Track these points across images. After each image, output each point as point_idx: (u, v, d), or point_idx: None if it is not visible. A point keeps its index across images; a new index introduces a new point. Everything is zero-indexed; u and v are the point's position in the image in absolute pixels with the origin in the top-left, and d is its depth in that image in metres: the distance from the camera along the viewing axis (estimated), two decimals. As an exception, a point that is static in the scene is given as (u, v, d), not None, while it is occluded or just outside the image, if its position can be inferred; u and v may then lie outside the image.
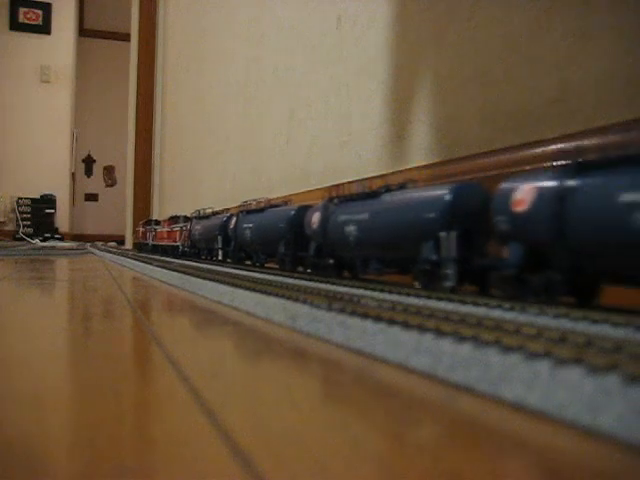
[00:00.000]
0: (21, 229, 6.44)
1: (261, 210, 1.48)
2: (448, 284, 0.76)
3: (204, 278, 1.13)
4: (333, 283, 0.94)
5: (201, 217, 2.09)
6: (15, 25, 6.68)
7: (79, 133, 7.13)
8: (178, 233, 2.24)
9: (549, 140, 0.97)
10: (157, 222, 2.92)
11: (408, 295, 0.75)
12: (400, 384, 0.44)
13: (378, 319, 0.56)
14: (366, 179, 1.06)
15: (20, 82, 6.61)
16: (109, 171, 7.72)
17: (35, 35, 6.74)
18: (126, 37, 5.76)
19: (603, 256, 0.59)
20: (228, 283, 1.00)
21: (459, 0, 1.25)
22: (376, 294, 0.77)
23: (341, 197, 1.06)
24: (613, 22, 0.91)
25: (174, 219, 2.40)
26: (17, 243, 5.27)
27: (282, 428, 0.33)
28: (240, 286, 0.94)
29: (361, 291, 0.81)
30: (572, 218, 0.60)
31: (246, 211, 1.57)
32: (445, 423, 0.35)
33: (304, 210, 1.23)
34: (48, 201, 6.64)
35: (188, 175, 3.92)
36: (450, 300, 0.68)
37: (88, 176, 7.69)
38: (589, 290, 0.65)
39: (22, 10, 6.70)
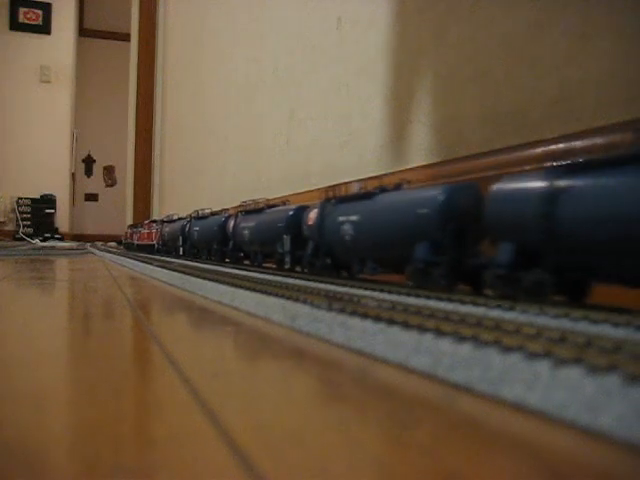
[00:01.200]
0: (21, 229, 6.44)
1: (260, 210, 1.51)
2: (442, 283, 0.79)
3: (204, 278, 1.13)
4: (333, 283, 0.94)
5: (168, 221, 2.52)
6: (15, 25, 6.69)
7: (79, 133, 7.13)
8: (154, 234, 2.64)
9: (549, 140, 0.97)
10: (141, 225, 3.26)
11: (408, 295, 0.75)
12: (400, 384, 0.44)
13: (378, 319, 0.56)
14: (363, 180, 1.11)
15: (20, 82, 6.61)
16: (109, 171, 7.72)
17: (35, 35, 6.74)
18: (126, 37, 5.77)
19: (590, 255, 0.60)
20: (228, 283, 1.00)
21: (459, 0, 1.25)
22: (376, 294, 0.77)
23: (338, 198, 1.08)
24: (613, 22, 0.91)
25: (152, 222, 2.75)
26: (17, 243, 5.27)
27: (282, 428, 0.33)
28: (240, 286, 0.94)
29: (361, 291, 0.81)
30: (562, 219, 0.61)
31: (245, 211, 1.60)
32: (445, 423, 0.35)
33: (302, 210, 1.26)
34: (48, 201, 6.64)
35: (188, 175, 3.92)
36: (450, 300, 0.68)
37: (88, 176, 7.69)
38: (579, 289, 0.66)
39: (22, 10, 6.70)
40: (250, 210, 1.58)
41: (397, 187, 0.98)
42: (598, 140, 0.87)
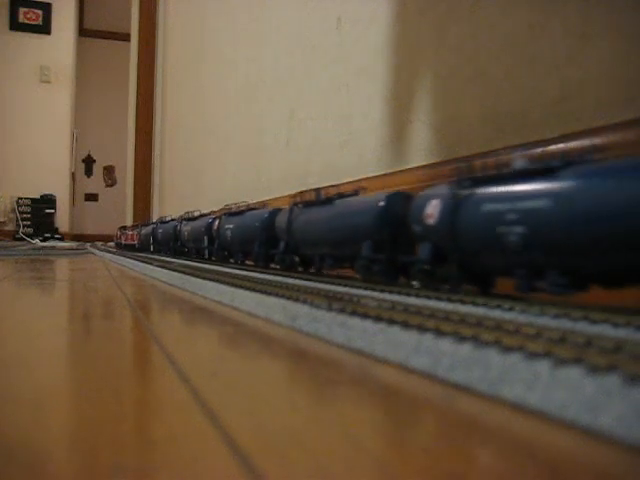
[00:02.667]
0: (21, 229, 6.43)
1: (241, 213, 1.65)
2: (382, 277, 0.93)
3: (204, 278, 1.13)
4: (333, 283, 0.94)
5: (144, 224, 3.20)
6: (15, 25, 6.68)
7: (79, 133, 7.13)
8: (135, 235, 3.24)
9: (549, 140, 0.97)
10: (126, 228, 3.87)
11: (408, 295, 0.75)
12: (400, 384, 0.44)
13: (378, 319, 0.56)
14: (324, 187, 1.22)
15: (20, 82, 6.61)
16: (109, 171, 7.72)
17: (35, 35, 6.74)
18: (126, 37, 5.77)
19: (482, 255, 0.73)
20: (228, 283, 1.00)
21: (459, 0, 1.25)
22: (376, 294, 0.77)
23: (303, 202, 1.22)
24: (613, 22, 0.91)
25: (135, 226, 3.37)
26: (17, 243, 5.27)
27: (282, 428, 0.33)
28: (240, 286, 0.94)
29: (361, 291, 0.82)
30: (460, 225, 0.74)
31: (228, 213, 1.74)
32: (445, 423, 0.35)
33: (275, 213, 1.40)
34: (48, 201, 6.64)
35: (188, 175, 3.92)
36: (450, 300, 0.68)
37: (88, 176, 7.69)
38: (484, 281, 0.78)
39: (22, 10, 6.70)
40: (232, 212, 1.71)
41: (354, 193, 1.10)
42: (598, 140, 0.87)
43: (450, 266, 0.77)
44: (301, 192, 1.26)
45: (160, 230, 2.30)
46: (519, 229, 0.64)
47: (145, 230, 3.03)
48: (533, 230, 0.62)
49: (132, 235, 3.28)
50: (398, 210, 0.92)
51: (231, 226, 1.65)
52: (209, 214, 2.06)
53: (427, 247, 0.81)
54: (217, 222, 1.82)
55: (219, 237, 1.77)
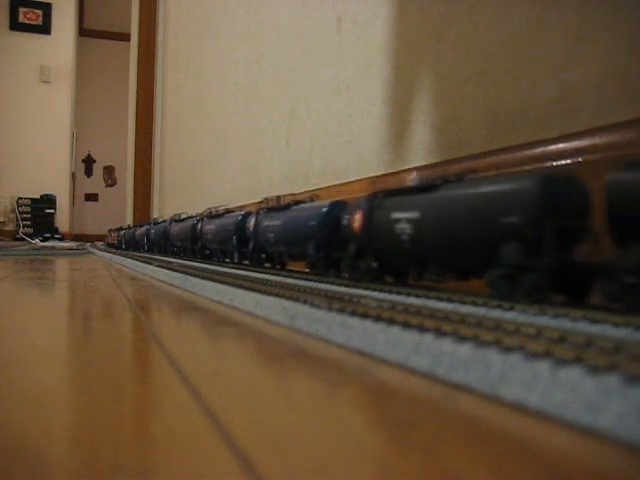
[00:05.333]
0: (21, 229, 6.43)
1: (220, 215, 1.84)
2: (322, 270, 1.12)
3: (204, 278, 1.13)
4: (333, 283, 0.94)
5: (126, 228, 3.82)
6: (15, 25, 6.68)
7: (79, 133, 7.13)
8: (117, 236, 3.99)
9: (549, 140, 0.97)
10: (112, 230, 4.58)
11: (408, 295, 0.75)
12: (400, 384, 0.44)
13: (378, 319, 0.56)
14: (283, 195, 1.42)
15: (20, 82, 6.61)
16: (109, 171, 7.72)
17: (35, 35, 6.74)
18: (126, 37, 5.77)
19: (388, 252, 0.91)
20: (228, 283, 1.00)
21: (459, 0, 1.25)
22: (376, 294, 0.77)
23: (265, 208, 1.43)
24: (613, 22, 0.91)
25: (120, 229, 4.06)
26: (17, 243, 5.26)
27: (282, 428, 0.33)
28: (240, 286, 0.94)
29: (361, 291, 0.82)
30: (373, 230, 0.92)
31: (209, 216, 1.94)
32: (445, 423, 0.35)
33: (247, 216, 1.60)
34: (48, 201, 6.64)
35: (188, 175, 3.92)
36: (450, 300, 0.68)
37: (88, 176, 7.69)
38: (400, 275, 0.97)
39: (22, 10, 6.70)
40: (212, 215, 1.90)
41: (310, 200, 1.29)
42: (598, 140, 0.87)
43: (369, 262, 0.96)
44: (266, 198, 1.46)
45: (177, 229, 2.45)
46: (408, 232, 0.84)
47: (125, 231, 3.75)
48: (416, 233, 0.83)
49: (117, 236, 4.01)
50: (336, 215, 1.09)
51: (212, 227, 1.84)
52: (195, 216, 2.19)
53: (353, 246, 1.00)
54: (200, 224, 2.00)
55: (202, 237, 1.95)
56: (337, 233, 1.07)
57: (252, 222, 1.47)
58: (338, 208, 1.11)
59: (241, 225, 1.60)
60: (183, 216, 2.40)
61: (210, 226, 1.86)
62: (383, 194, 0.92)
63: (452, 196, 0.77)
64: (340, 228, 1.04)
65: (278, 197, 1.40)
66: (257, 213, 1.46)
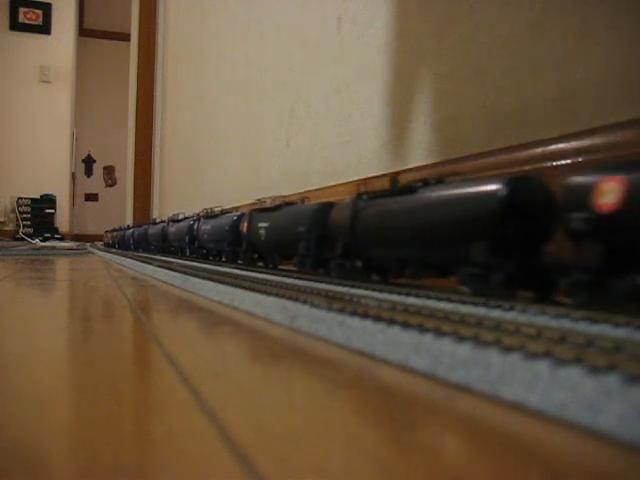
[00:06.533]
0: (21, 229, 6.43)
1: (216, 216, 1.92)
2: (312, 270, 1.17)
3: (204, 278, 1.13)
4: (333, 283, 0.94)
5: (118, 229, 4.09)
6: (15, 25, 6.68)
7: (79, 133, 7.13)
8: (113, 237, 4.21)
9: (549, 140, 0.97)
10: (108, 231, 4.85)
11: (408, 295, 0.75)
12: (400, 384, 0.44)
13: (378, 319, 0.56)
14: (274, 197, 1.52)
15: (20, 82, 6.60)
16: (109, 171, 7.72)
17: (35, 35, 6.73)
18: (126, 37, 5.76)
19: (369, 250, 0.97)
20: (228, 283, 1.00)
21: (459, 0, 1.25)
22: (376, 294, 0.77)
23: (258, 209, 1.52)
24: (613, 22, 0.91)
25: (114, 230, 4.33)
26: (17, 243, 5.26)
27: (282, 428, 0.33)
28: (240, 286, 0.94)
29: (361, 291, 0.82)
30: (358, 228, 0.97)
31: (205, 216, 2.04)
32: (445, 423, 0.35)
33: (241, 217, 1.69)
34: (48, 201, 6.63)
35: (188, 175, 3.92)
36: (450, 300, 0.68)
37: (88, 176, 7.68)
38: (384, 272, 0.99)
39: (22, 10, 6.69)
40: (208, 215, 1.99)
41: (301, 202, 1.37)
42: (598, 140, 0.87)
43: (355, 261, 0.99)
44: (259, 200, 1.54)
45: (173, 229, 2.53)
46: (388, 232, 0.89)
47: (117, 233, 3.99)
48: (395, 233, 0.87)
49: (112, 237, 4.26)
50: (324, 217, 1.13)
51: (208, 227, 1.91)
52: (192, 216, 2.23)
53: (340, 245, 1.04)
54: (197, 224, 2.06)
55: (198, 237, 2.02)
56: (325, 234, 1.11)
57: (245, 223, 1.54)
58: (326, 209, 1.15)
59: (235, 225, 1.66)
60: (180, 216, 2.45)
61: (206, 226, 1.93)
62: (367, 196, 0.98)
63: (429, 198, 0.81)
64: (328, 229, 1.09)
65: (270, 198, 1.49)
66: (250, 214, 1.52)
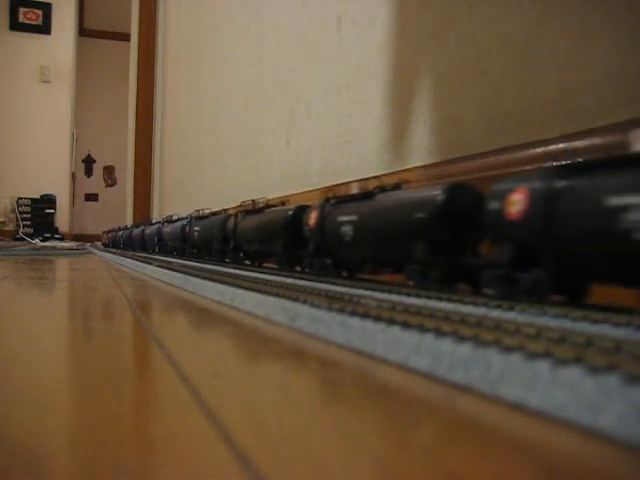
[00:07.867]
0: (21, 229, 6.43)
1: (206, 217, 2.05)
2: (288, 267, 1.27)
3: (204, 278, 1.13)
4: (333, 283, 0.94)
5: (117, 229, 4.18)
6: (15, 25, 6.67)
7: (79, 133, 7.12)
8: (111, 237, 4.36)
9: (549, 140, 0.97)
10: (106, 232, 4.98)
11: (408, 295, 0.75)
12: (400, 384, 0.44)
13: (378, 319, 0.56)
14: (257, 200, 1.59)
15: (20, 82, 6.60)
16: (109, 171, 7.72)
17: (35, 35, 6.73)
18: (126, 37, 5.76)
19: (337, 249, 1.06)
20: (228, 283, 1.00)
21: (459, 0, 1.25)
22: (376, 294, 0.77)
23: (243, 211, 1.60)
24: (613, 22, 0.91)
25: (111, 230, 4.49)
26: (17, 243, 5.26)
27: (282, 428, 0.33)
28: (240, 286, 0.94)
29: (361, 291, 0.81)
30: (325, 232, 1.07)
31: (196, 217, 2.14)
32: (445, 423, 0.35)
33: (228, 218, 1.76)
34: (48, 201, 6.63)
35: (188, 175, 3.92)
36: (450, 300, 0.68)
37: (88, 176, 7.68)
38: (351, 271, 1.09)
39: (22, 10, 6.69)
40: (199, 217, 2.09)
41: (281, 204, 1.46)
42: (598, 140, 0.87)
43: (325, 259, 1.09)
44: (244, 202, 1.63)
45: (169, 230, 2.63)
46: (350, 233, 0.98)
47: (112, 233, 4.20)
48: (356, 234, 0.97)
49: (109, 237, 4.44)
50: (300, 218, 1.22)
51: (198, 228, 2.02)
52: (185, 217, 2.31)
53: (311, 245, 1.14)
54: (188, 225, 2.16)
55: (190, 237, 2.13)
56: (300, 234, 1.20)
57: (232, 223, 1.64)
58: (302, 212, 1.24)
59: (223, 226, 1.75)
60: (174, 217, 2.56)
61: (197, 227, 2.04)
62: (334, 200, 1.08)
63: (384, 203, 0.93)
64: (302, 230, 1.19)
65: (253, 201, 1.59)
66: (236, 215, 1.63)
